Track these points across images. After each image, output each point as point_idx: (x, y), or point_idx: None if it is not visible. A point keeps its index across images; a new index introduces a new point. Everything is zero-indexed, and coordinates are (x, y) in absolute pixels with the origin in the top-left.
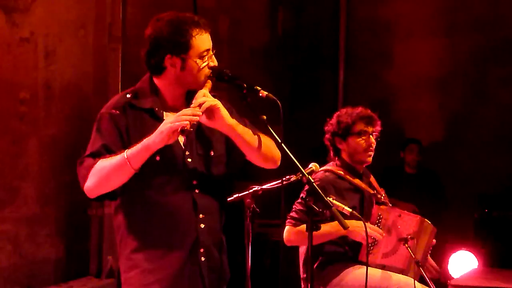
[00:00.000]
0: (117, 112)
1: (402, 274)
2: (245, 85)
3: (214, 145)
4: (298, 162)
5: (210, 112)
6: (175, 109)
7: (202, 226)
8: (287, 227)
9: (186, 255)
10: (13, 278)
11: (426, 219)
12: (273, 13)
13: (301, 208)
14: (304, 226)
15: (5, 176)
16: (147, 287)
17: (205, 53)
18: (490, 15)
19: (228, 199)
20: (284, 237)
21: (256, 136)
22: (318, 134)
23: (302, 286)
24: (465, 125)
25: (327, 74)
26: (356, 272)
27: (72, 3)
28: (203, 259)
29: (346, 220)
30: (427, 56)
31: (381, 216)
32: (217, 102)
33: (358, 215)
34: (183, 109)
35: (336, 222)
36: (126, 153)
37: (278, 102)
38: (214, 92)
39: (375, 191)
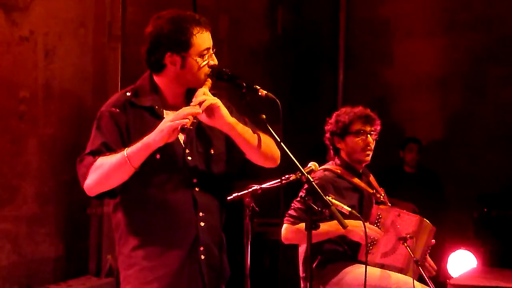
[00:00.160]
0: (117, 110)
1: (401, 273)
2: (244, 84)
3: (214, 143)
4: (298, 161)
5: (210, 110)
6: (175, 107)
7: (202, 224)
8: (285, 225)
9: (186, 253)
10: (12, 277)
11: (425, 219)
12: (273, 13)
13: (300, 206)
14: (302, 225)
15: (4, 175)
16: (146, 285)
17: (205, 52)
18: (489, 15)
19: (228, 198)
20: (281, 235)
21: (255, 134)
22: (318, 133)
23: (302, 285)
24: (464, 125)
25: (327, 73)
26: (355, 271)
27: (71, 2)
28: (203, 257)
29: (345, 220)
30: (426, 56)
31: (380, 216)
32: (217, 101)
33: (357, 215)
34: (183, 107)
35: (335, 221)
36: (126, 151)
37: (277, 101)
38: (214, 90)
39: (374, 191)
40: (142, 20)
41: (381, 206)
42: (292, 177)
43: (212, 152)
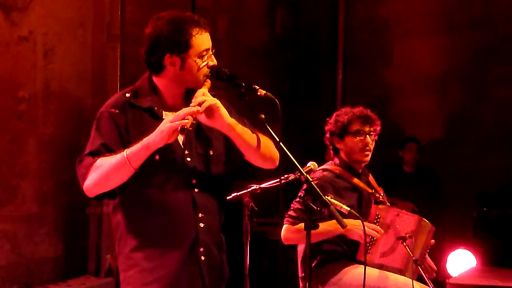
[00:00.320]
0: (117, 111)
1: (400, 273)
2: (243, 84)
3: (213, 144)
4: (297, 161)
5: (209, 111)
6: (174, 108)
7: (202, 225)
8: (285, 226)
9: (185, 254)
10: (11, 276)
11: (424, 218)
12: (272, 12)
13: (299, 206)
14: (302, 225)
15: (3, 175)
16: (146, 286)
17: (204, 53)
18: (488, 14)
19: (227, 198)
20: (282, 235)
21: (255, 135)
22: (317, 133)
23: (300, 285)
24: (463, 124)
25: (326, 73)
26: (354, 271)
27: (70, 2)
28: (203, 258)
29: (344, 219)
30: (425, 55)
31: (379, 216)
32: (216, 101)
33: (357, 214)
34: (183, 108)
35: (334, 221)
36: (126, 152)
37: (276, 101)
38: (213, 91)
39: (373, 190)
40: (141, 20)
41: (380, 206)
42: (291, 176)
43: (211, 153)
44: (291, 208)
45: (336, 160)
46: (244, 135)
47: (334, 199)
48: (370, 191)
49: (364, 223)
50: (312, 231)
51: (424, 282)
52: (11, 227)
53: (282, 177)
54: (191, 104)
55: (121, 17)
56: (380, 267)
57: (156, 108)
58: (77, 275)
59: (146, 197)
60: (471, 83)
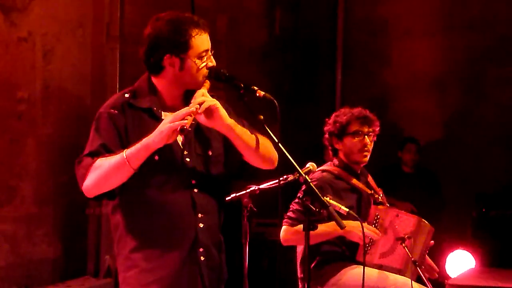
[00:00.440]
0: (116, 111)
1: (399, 274)
2: (242, 85)
3: (212, 144)
4: (296, 162)
5: (209, 112)
6: (173, 109)
7: (201, 225)
8: (284, 227)
9: (185, 254)
10: (10, 277)
11: (423, 219)
12: (271, 13)
13: (298, 208)
14: (301, 226)
15: (2, 175)
16: (145, 287)
17: (204, 54)
18: (487, 15)
19: (226, 198)
20: (281, 236)
21: (253, 136)
22: (316, 134)
23: (300, 286)
24: (462, 125)
25: (325, 73)
26: (353, 272)
27: (70, 3)
28: (202, 258)
29: (343, 220)
30: (424, 56)
31: (378, 216)
32: (216, 102)
33: (355, 215)
34: (182, 109)
35: (333, 222)
36: (125, 152)
37: (275, 102)
38: (212, 91)
39: (372, 191)
40: (140, 20)
41: (379, 207)
42: (290, 177)
43: (210, 154)
44: (290, 209)
45: (335, 161)
46: (243, 135)
47: (333, 200)
48: (369, 191)
49: (363, 224)
50: (311, 232)
51: (423, 283)
52: (10, 228)
53: (281, 178)
54: (190, 105)
55: (121, 18)
56: (380, 267)
57: (155, 108)
58: (76, 276)
59: (145, 197)
60: (470, 83)
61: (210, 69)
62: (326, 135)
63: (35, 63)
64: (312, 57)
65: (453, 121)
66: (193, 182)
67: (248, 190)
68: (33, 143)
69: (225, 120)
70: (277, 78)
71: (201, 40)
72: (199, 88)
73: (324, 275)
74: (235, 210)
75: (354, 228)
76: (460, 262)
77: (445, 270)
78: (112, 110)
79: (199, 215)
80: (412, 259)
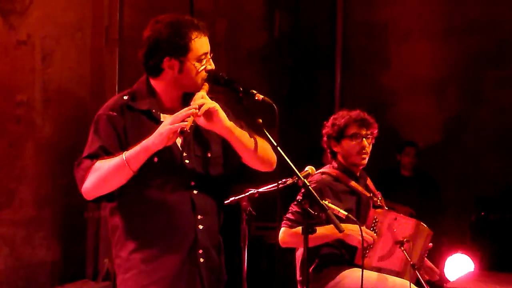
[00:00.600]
0: (115, 113)
1: (398, 277)
2: (241, 89)
3: (211, 146)
4: (295, 165)
5: (208, 114)
6: (172, 111)
7: (201, 227)
8: (282, 229)
9: (184, 256)
10: (9, 281)
11: (422, 222)
12: (270, 16)
13: (298, 210)
14: (299, 228)
15: (1, 179)
16: None
17: (203, 56)
18: (486, 18)
19: (225, 202)
20: (279, 238)
21: (252, 139)
22: (315, 137)
23: None
24: (461, 128)
25: (324, 76)
26: (352, 275)
27: (69, 6)
28: (202, 260)
29: (341, 224)
30: (423, 59)
31: (377, 220)
32: (215, 105)
33: (354, 218)
34: (181, 110)
35: (332, 225)
36: (125, 154)
37: (274, 106)
38: (211, 94)
39: (371, 194)
40: (139, 24)
41: (378, 210)
42: (289, 181)
43: (209, 156)
44: (289, 211)
45: (334, 164)
46: (242, 138)
47: (332, 204)
48: (368, 194)
49: (361, 227)
50: (310, 236)
51: (422, 287)
52: (8, 231)
53: (280, 182)
54: (189, 107)
55: (120, 21)
56: (378, 270)
57: (154, 110)
58: (74, 279)
59: (144, 199)
60: (469, 87)
61: (209, 72)
62: (325, 138)
63: (34, 66)
64: (311, 60)
65: (452, 125)
66: (192, 183)
67: (247, 194)
68: (32, 146)
69: (225, 123)
70: (276, 81)
71: (201, 43)
72: (198, 91)
73: (323, 278)
74: (234, 214)
75: (352, 231)
76: (459, 265)
77: (444, 273)
78: (111, 112)
79: (199, 216)
80: (411, 262)
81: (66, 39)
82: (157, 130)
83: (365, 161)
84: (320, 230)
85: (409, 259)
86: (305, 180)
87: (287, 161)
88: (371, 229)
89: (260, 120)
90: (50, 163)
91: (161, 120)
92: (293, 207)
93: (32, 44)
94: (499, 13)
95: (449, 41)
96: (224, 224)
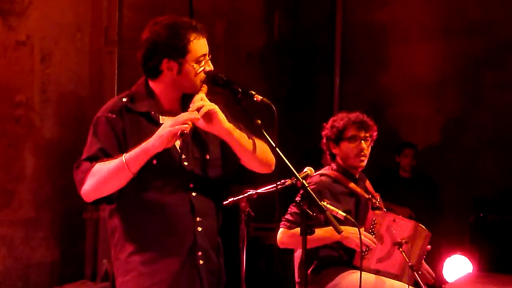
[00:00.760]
0: (114, 115)
1: (396, 279)
2: (240, 90)
3: (209, 148)
4: (294, 166)
5: (208, 116)
6: (171, 113)
7: (200, 229)
8: (281, 229)
9: (184, 258)
10: (7, 281)
11: (420, 224)
12: (269, 17)
13: (296, 211)
14: (298, 229)
15: (0, 179)
16: None
17: (202, 58)
18: (485, 20)
19: (224, 203)
20: (277, 239)
21: (251, 140)
22: (314, 138)
23: None
24: (460, 129)
25: (323, 78)
26: (351, 277)
27: (68, 7)
28: (201, 262)
29: (340, 225)
30: (422, 61)
31: (375, 221)
32: (214, 106)
33: (353, 220)
34: (182, 113)
35: (331, 227)
36: (125, 157)
37: (273, 106)
38: (209, 96)
39: (370, 196)
40: (138, 24)
41: (376, 212)
42: (288, 182)
43: (208, 157)
44: (288, 211)
45: (333, 165)
46: (241, 140)
47: (331, 205)
48: (367, 196)
49: (360, 229)
50: (308, 237)
51: None
52: (7, 232)
53: (279, 183)
54: (189, 109)
55: (119, 22)
56: (377, 272)
57: (153, 112)
58: (73, 280)
59: (144, 201)
60: (468, 88)
61: (208, 73)
62: (324, 140)
63: (33, 67)
64: (310, 61)
65: (450, 126)
66: (191, 185)
67: (245, 195)
68: (31, 147)
69: (224, 125)
70: (276, 82)
71: (199, 45)
72: (197, 92)
73: (321, 280)
74: (232, 215)
75: (351, 233)
76: (457, 267)
77: (443, 275)
78: (110, 115)
79: (198, 218)
80: (409, 264)
81: (65, 40)
82: (157, 132)
83: (364, 164)
84: (319, 231)
85: (408, 261)
86: (303, 181)
87: (286, 162)
88: (370, 230)
89: (259, 121)
90: (49, 163)
91: (160, 122)
92: (292, 208)
93: (31, 44)
94: (498, 15)
95: (448, 42)
96: (223, 225)
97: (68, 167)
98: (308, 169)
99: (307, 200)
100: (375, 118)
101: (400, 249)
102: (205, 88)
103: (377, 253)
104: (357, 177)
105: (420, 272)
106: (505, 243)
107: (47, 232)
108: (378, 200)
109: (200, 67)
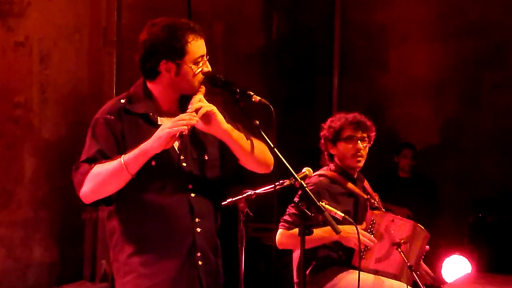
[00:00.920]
0: (112, 117)
1: (395, 279)
2: (238, 90)
3: (208, 149)
4: (292, 167)
5: (206, 117)
6: (169, 114)
7: (199, 230)
8: (280, 230)
9: (183, 259)
10: (6, 282)
11: (419, 224)
12: (268, 18)
13: (295, 211)
14: (296, 230)
15: None
16: None
17: (200, 59)
18: (484, 20)
19: (222, 203)
20: (276, 239)
21: (249, 140)
22: (313, 139)
23: None
24: (459, 130)
25: (322, 78)
26: (349, 277)
27: (67, 8)
28: (200, 263)
29: (338, 225)
30: (421, 61)
31: (374, 221)
32: (213, 108)
33: (351, 220)
34: (180, 115)
35: (329, 227)
36: (123, 158)
37: (271, 107)
38: (207, 96)
39: (368, 196)
40: (137, 25)
41: (375, 212)
42: (286, 182)
43: (206, 158)
44: (287, 212)
45: (331, 166)
46: (239, 140)
47: (329, 205)
48: (365, 196)
49: (358, 229)
50: (307, 237)
51: None
52: (6, 232)
53: (277, 183)
54: (188, 110)
55: (117, 23)
56: (375, 272)
57: (151, 114)
58: (72, 281)
59: (143, 202)
60: (467, 89)
61: (206, 74)
62: (322, 140)
63: (32, 68)
64: (309, 62)
65: (449, 127)
66: (190, 186)
67: (244, 195)
68: (30, 148)
69: (223, 125)
70: (274, 83)
71: (197, 46)
72: (195, 93)
73: (320, 280)
74: (231, 215)
75: (349, 233)
76: (456, 267)
77: (441, 275)
78: (109, 116)
79: (197, 219)
80: (408, 264)
81: (64, 40)
82: (155, 134)
83: (361, 164)
84: (317, 231)
85: (406, 261)
86: (302, 181)
87: (284, 163)
88: (368, 231)
89: (257, 122)
90: (47, 164)
91: (159, 123)
92: (290, 209)
93: (30, 45)
94: (496, 15)
95: (447, 43)
96: (222, 225)
97: (67, 168)
98: (306, 170)
99: (305, 200)
100: (374, 119)
101: (399, 250)
102: (203, 89)
103: (376, 253)
104: (355, 177)
105: (418, 273)
106: (504, 243)
107: (46, 233)
108: (377, 200)
109: (198, 68)
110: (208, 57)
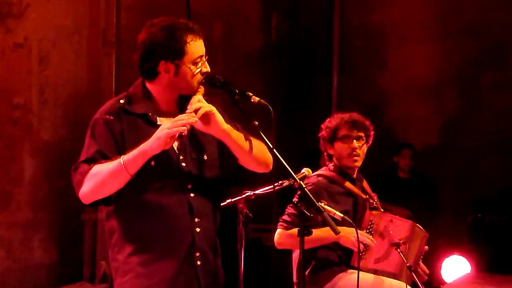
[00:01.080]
0: (111, 117)
1: (394, 278)
2: (237, 91)
3: (207, 149)
4: (291, 167)
5: (205, 117)
6: (168, 114)
7: (198, 230)
8: (278, 230)
9: (182, 259)
10: (6, 283)
11: (417, 224)
12: (267, 19)
13: (293, 212)
14: (295, 230)
15: None
16: None
17: (198, 59)
18: (482, 21)
19: (221, 204)
20: (275, 239)
21: (248, 140)
22: (312, 139)
23: None
24: (458, 130)
25: (321, 79)
26: (349, 277)
27: (66, 9)
28: (199, 262)
29: (337, 226)
30: (420, 62)
31: (372, 222)
32: (212, 108)
33: (350, 221)
34: (179, 115)
35: (328, 227)
36: (123, 158)
37: (270, 107)
38: (206, 97)
39: (367, 196)
40: (136, 26)
41: (373, 212)
42: (286, 183)
43: (205, 158)
44: (286, 212)
45: (330, 166)
46: (239, 140)
47: (328, 206)
48: (364, 196)
49: (358, 230)
50: (306, 237)
51: None
52: (5, 234)
53: (276, 184)
54: (187, 111)
55: (117, 24)
56: (375, 272)
57: (150, 114)
58: (72, 281)
59: (142, 202)
60: (466, 89)
61: (205, 75)
62: (320, 141)
63: (31, 69)
64: (308, 62)
65: (448, 127)
66: (189, 186)
67: (243, 196)
68: (29, 149)
69: (222, 126)
70: (273, 83)
71: (196, 46)
72: (194, 94)
73: (319, 281)
74: (230, 216)
75: (348, 234)
76: (455, 267)
77: (441, 275)
78: (108, 116)
79: (196, 219)
80: (407, 264)
81: (63, 41)
82: (155, 134)
83: (358, 163)
84: (316, 232)
85: (405, 261)
86: (301, 182)
87: (283, 163)
88: (367, 231)
89: (256, 122)
90: (47, 165)
91: (158, 123)
92: (289, 209)
93: (29, 46)
94: (495, 16)
95: (445, 43)
96: (221, 226)
97: (66, 168)
98: (305, 170)
99: (304, 201)
100: (373, 119)
101: (398, 250)
102: (202, 89)
103: (375, 253)
104: (354, 177)
105: (417, 272)
106: (503, 243)
107: (45, 234)
108: (376, 200)
109: (197, 68)
110: (207, 57)
